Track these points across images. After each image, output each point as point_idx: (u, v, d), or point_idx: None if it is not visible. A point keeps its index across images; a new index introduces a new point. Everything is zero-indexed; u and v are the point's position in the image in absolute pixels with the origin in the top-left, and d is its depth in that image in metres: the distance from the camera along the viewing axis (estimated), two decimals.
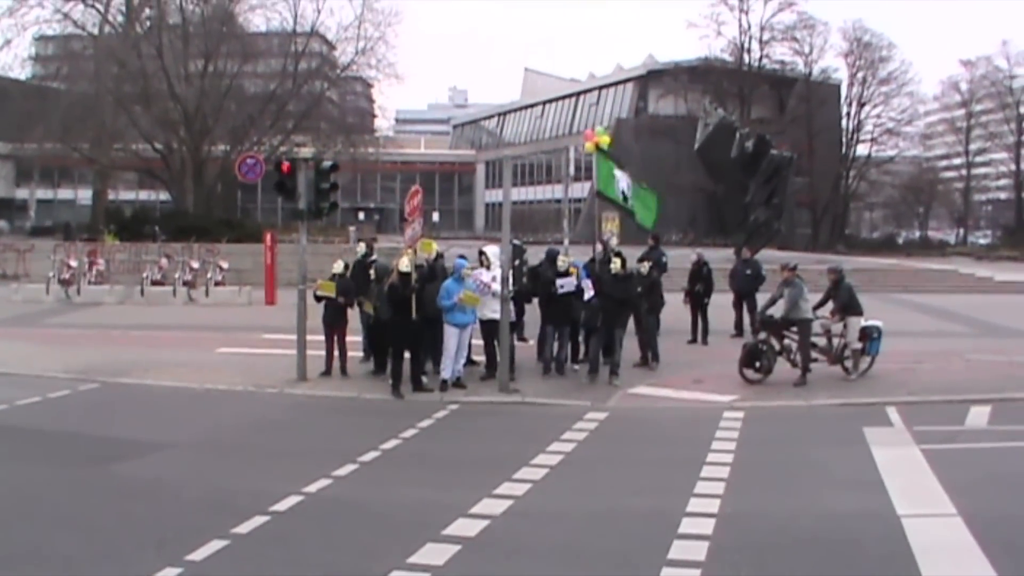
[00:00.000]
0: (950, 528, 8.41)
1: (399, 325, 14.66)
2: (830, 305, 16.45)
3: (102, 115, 45.21)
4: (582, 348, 16.84)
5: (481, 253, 16.55)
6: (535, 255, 18.57)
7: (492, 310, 15.50)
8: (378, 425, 12.60)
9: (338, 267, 16.58)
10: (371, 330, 16.27)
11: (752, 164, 40.15)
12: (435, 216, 78.76)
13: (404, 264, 14.69)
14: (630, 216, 17.97)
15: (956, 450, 11.48)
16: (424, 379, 15.14)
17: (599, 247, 18.44)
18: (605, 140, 17.36)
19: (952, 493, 9.35)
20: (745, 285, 20.97)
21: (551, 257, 16.50)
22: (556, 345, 16.43)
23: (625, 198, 17.47)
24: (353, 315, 16.81)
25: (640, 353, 17.48)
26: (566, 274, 15.95)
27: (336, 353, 16.34)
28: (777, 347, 16.01)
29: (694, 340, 20.37)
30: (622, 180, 17.36)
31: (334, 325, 16.27)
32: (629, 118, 69.78)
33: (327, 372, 16.25)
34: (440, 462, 10.93)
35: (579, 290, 15.86)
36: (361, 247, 17.49)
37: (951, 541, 8.08)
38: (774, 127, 56.29)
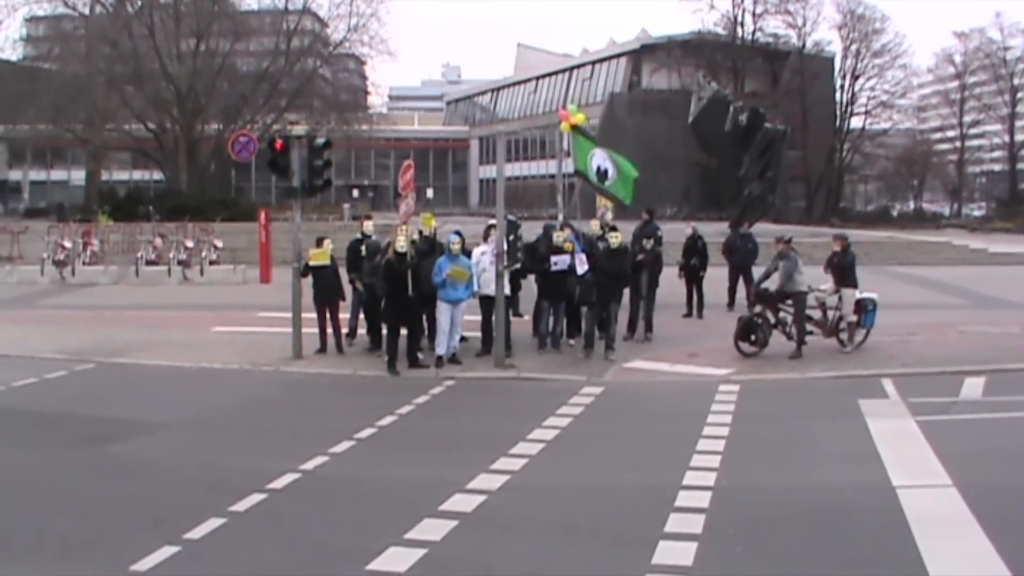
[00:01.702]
0: (945, 499, 8.43)
1: (395, 301, 14.63)
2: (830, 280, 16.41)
3: (94, 95, 44.92)
4: (582, 324, 16.83)
5: (490, 227, 16.52)
6: (530, 231, 18.53)
7: (490, 288, 15.51)
8: (374, 402, 12.59)
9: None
10: (366, 307, 16.23)
11: (746, 138, 40.02)
12: (429, 192, 78.56)
13: (400, 243, 14.64)
14: (608, 197, 17.90)
15: (951, 421, 11.51)
16: (420, 355, 15.13)
17: (594, 223, 18.39)
18: (580, 118, 17.26)
19: (947, 464, 9.37)
20: (745, 258, 20.97)
21: (548, 233, 16.46)
22: (552, 320, 16.42)
23: (604, 177, 17.39)
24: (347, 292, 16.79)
25: (629, 326, 17.48)
26: (560, 251, 15.91)
27: (330, 331, 16.31)
28: (772, 320, 16.00)
29: (689, 314, 20.37)
30: (598, 158, 17.25)
31: (326, 301, 16.23)
32: (623, 93, 69.53)
33: (322, 350, 16.23)
34: (436, 438, 10.93)
35: (572, 267, 15.82)
36: (369, 226, 17.26)
37: (946, 512, 8.09)
38: (768, 100, 56.04)
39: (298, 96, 50.93)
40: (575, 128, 17.25)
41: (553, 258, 15.90)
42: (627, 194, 17.59)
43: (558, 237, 16.11)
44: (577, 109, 17.89)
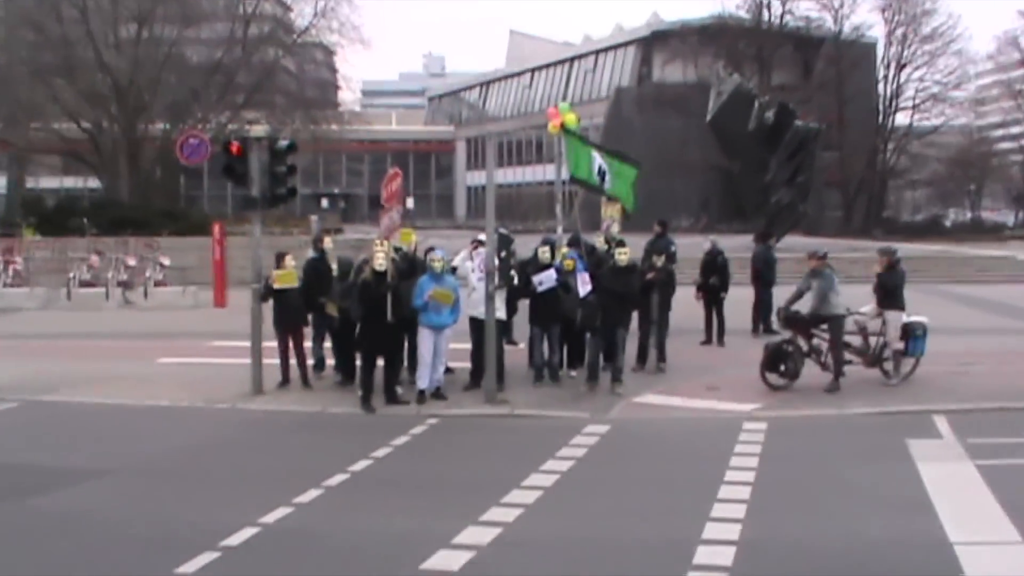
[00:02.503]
0: (1012, 558, 8.41)
1: (371, 328, 14.68)
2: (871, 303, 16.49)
3: (16, 89, 44.96)
4: (584, 352, 16.87)
5: (476, 244, 16.62)
6: (525, 245, 18.60)
7: (480, 310, 15.59)
8: (346, 443, 12.60)
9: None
10: (337, 334, 16.29)
11: (773, 137, 40.33)
12: (409, 202, 78.70)
13: (379, 261, 14.71)
14: (609, 198, 18.02)
15: (1017, 466, 11.50)
16: (399, 390, 15.17)
17: (598, 238, 18.47)
18: (571, 119, 17.37)
19: (1014, 516, 9.33)
20: (773, 274, 21.25)
21: (550, 247, 16.67)
22: (547, 349, 16.49)
23: (603, 178, 17.50)
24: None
25: (638, 355, 17.60)
26: (546, 268, 16.08)
27: (294, 361, 16.36)
28: (805, 348, 16.07)
29: (708, 340, 20.47)
30: (598, 159, 17.39)
31: (289, 327, 16.27)
32: (631, 87, 69.97)
33: (285, 383, 16.28)
34: (418, 485, 10.94)
35: (561, 285, 15.93)
36: (328, 243, 17.37)
37: (1014, 574, 8.09)
38: (799, 94, 56.50)
39: (257, 91, 51.25)
40: (566, 131, 17.38)
41: (536, 277, 16.04)
42: (628, 198, 17.69)
43: (543, 253, 16.32)
44: (569, 108, 18.00)
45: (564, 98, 71.15)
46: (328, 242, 17.40)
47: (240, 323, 18.13)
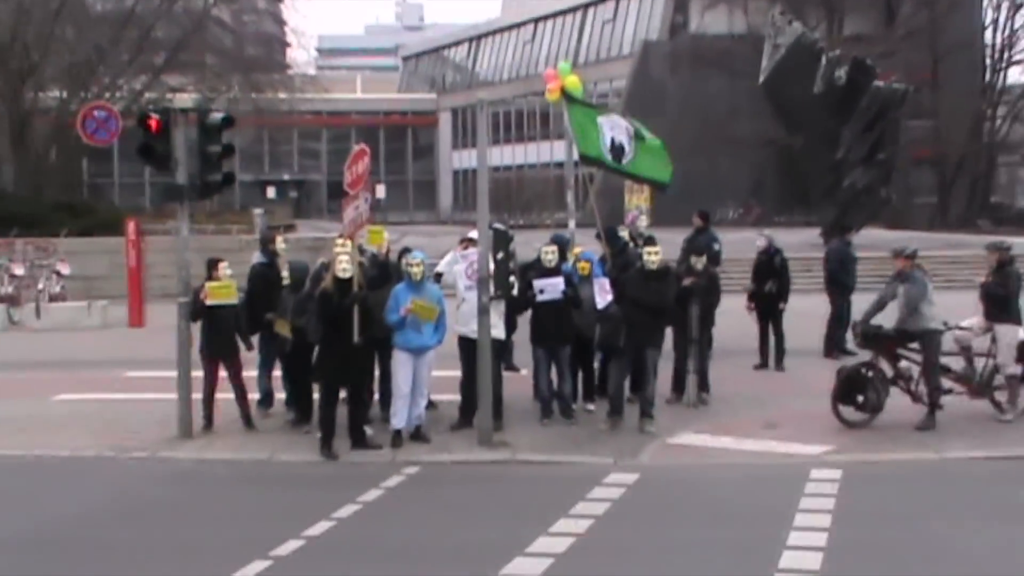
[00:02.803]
0: None
1: (333, 352, 14.71)
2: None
3: None
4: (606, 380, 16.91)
5: (467, 242, 16.68)
6: (527, 245, 18.65)
7: (471, 327, 15.61)
8: (301, 501, 12.64)
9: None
10: (290, 361, 16.29)
11: (846, 103, 40.31)
12: (380, 191, 78.76)
13: (343, 266, 14.71)
14: (633, 179, 18.09)
15: None
16: (368, 431, 15.20)
17: (622, 232, 18.53)
18: (573, 82, 17.42)
19: None
20: (852, 279, 21.36)
21: (559, 248, 16.73)
22: (555, 375, 16.56)
23: (620, 155, 17.54)
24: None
25: (673, 383, 17.64)
26: (549, 272, 16.14)
27: (226, 395, 16.33)
28: (889, 372, 16.10)
29: (763, 364, 20.55)
30: (609, 128, 17.40)
31: (220, 354, 16.30)
32: (661, 40, 69.81)
33: (208, 426, 16.30)
34: (393, 553, 10.96)
35: (568, 296, 16.00)
36: (280, 243, 17.33)
37: None
38: (879, 47, 56.29)
39: (182, 49, 51.10)
40: (568, 97, 17.44)
41: (537, 283, 16.08)
42: (662, 171, 17.68)
43: (547, 254, 16.32)
44: (570, 68, 18.06)
45: (576, 56, 71.33)
46: (280, 243, 17.37)
47: (162, 347, 18.15)
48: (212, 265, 16.31)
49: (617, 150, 17.37)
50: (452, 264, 16.57)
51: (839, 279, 21.75)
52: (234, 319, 16.29)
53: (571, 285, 16.12)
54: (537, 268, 16.64)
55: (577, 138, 17.52)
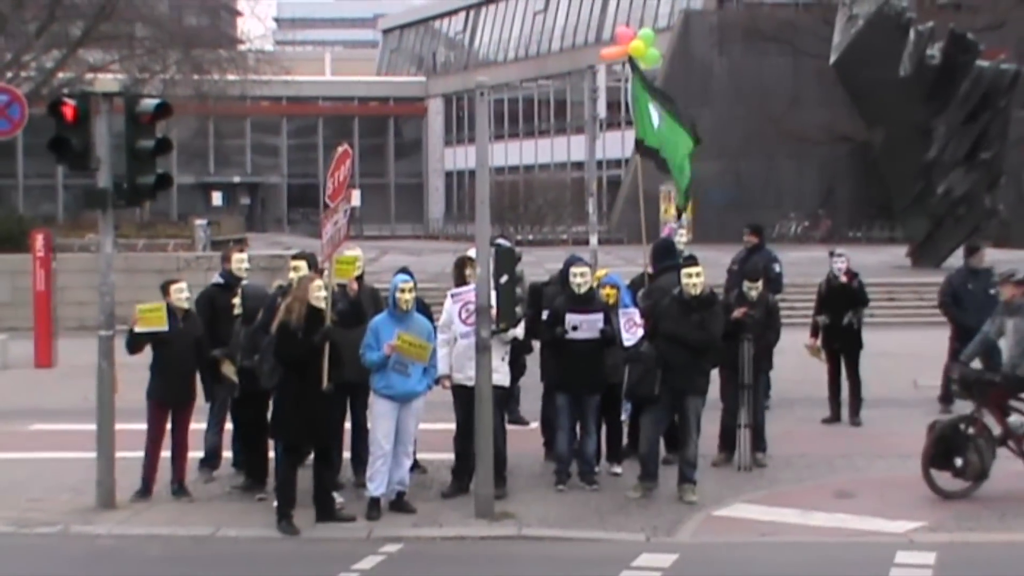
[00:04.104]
0: None
1: (295, 400, 14.67)
2: None
3: None
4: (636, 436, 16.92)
5: (465, 262, 16.68)
6: (538, 266, 18.64)
7: (468, 373, 15.55)
8: None
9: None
10: (238, 409, 16.22)
11: (941, 87, 40.24)
12: (354, 196, 78.82)
13: (316, 293, 14.61)
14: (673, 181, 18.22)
15: None
16: (338, 498, 15.17)
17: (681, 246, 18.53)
18: (648, 53, 17.48)
19: None
20: (979, 312, 20.85)
21: (567, 272, 16.64)
22: (578, 430, 16.48)
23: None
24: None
25: (721, 440, 17.60)
26: (583, 303, 16.06)
27: (165, 452, 16.28)
28: (996, 429, 16.04)
29: (835, 417, 20.53)
30: (655, 116, 17.57)
31: (175, 400, 16.23)
32: (706, 10, 70.08)
33: (146, 491, 16.22)
34: None
35: (607, 335, 15.98)
36: (238, 261, 17.24)
37: None
38: (983, 17, 56.26)
39: (105, 18, 51.08)
40: (634, 67, 17.49)
41: (571, 318, 16.01)
42: (677, 181, 17.83)
43: (575, 277, 16.12)
44: (653, 36, 18.10)
45: (600, 30, 71.46)
46: (237, 261, 17.25)
47: (77, 392, 18.15)
48: (164, 290, 16.23)
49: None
50: (455, 308, 16.21)
51: (954, 318, 21.23)
52: (196, 357, 16.24)
53: (609, 322, 16.07)
54: (559, 294, 16.55)
55: (637, 121, 17.61)
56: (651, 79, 19.06)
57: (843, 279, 20.40)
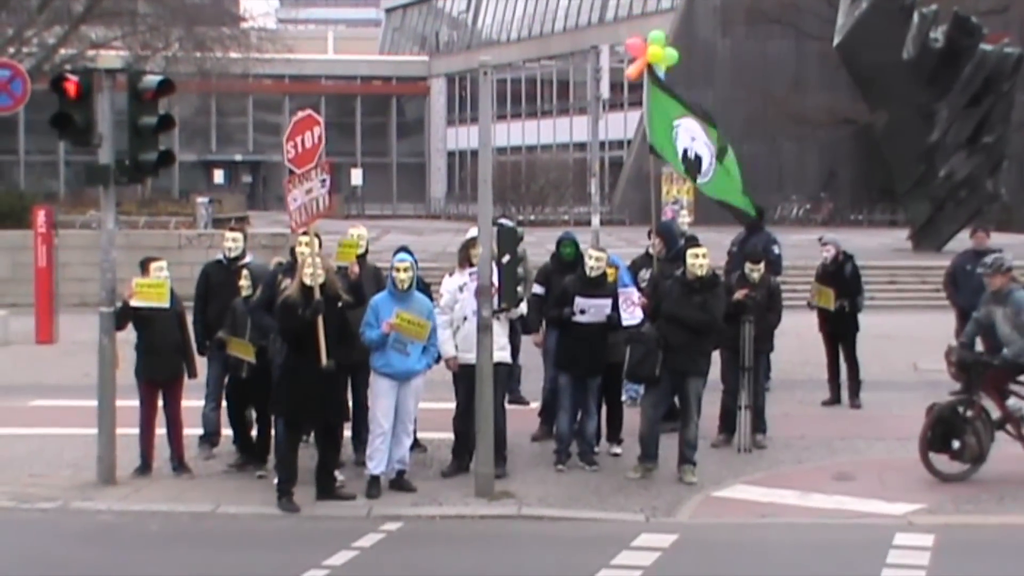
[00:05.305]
0: None
1: (295, 378, 14.66)
2: None
3: None
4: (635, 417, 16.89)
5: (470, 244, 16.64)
6: (540, 245, 18.60)
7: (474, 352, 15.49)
8: (253, 564, 12.61)
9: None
10: (237, 387, 16.16)
11: (944, 71, 40.16)
12: (355, 176, 78.83)
13: (307, 270, 14.55)
14: (711, 196, 18.14)
15: None
16: (338, 476, 15.17)
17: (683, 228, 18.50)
18: (662, 56, 17.41)
19: None
20: (974, 295, 20.90)
21: (569, 251, 16.55)
22: (579, 411, 16.44)
23: (696, 169, 17.61)
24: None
25: (721, 421, 17.62)
26: (594, 286, 16.04)
27: (161, 430, 16.27)
28: (995, 413, 16.01)
29: (835, 399, 20.53)
30: (688, 137, 17.45)
31: (161, 377, 16.24)
32: None
33: (146, 468, 16.22)
34: None
35: (613, 320, 15.98)
36: (234, 240, 17.18)
37: None
38: (987, 1, 56.07)
39: None
40: (653, 75, 17.44)
41: (580, 301, 15.97)
42: (741, 199, 17.73)
43: (591, 259, 16.08)
44: (665, 38, 18.03)
45: (603, 11, 71.32)
46: (231, 240, 17.13)
47: (78, 369, 18.12)
48: (144, 266, 16.17)
49: (692, 163, 17.41)
50: (454, 288, 16.11)
51: (951, 297, 21.22)
52: (179, 333, 16.21)
53: (616, 308, 16.05)
54: (560, 272, 16.51)
55: (652, 127, 17.56)
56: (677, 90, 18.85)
57: (831, 267, 20.45)
